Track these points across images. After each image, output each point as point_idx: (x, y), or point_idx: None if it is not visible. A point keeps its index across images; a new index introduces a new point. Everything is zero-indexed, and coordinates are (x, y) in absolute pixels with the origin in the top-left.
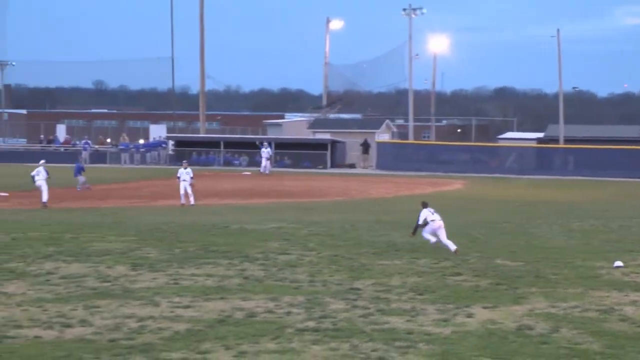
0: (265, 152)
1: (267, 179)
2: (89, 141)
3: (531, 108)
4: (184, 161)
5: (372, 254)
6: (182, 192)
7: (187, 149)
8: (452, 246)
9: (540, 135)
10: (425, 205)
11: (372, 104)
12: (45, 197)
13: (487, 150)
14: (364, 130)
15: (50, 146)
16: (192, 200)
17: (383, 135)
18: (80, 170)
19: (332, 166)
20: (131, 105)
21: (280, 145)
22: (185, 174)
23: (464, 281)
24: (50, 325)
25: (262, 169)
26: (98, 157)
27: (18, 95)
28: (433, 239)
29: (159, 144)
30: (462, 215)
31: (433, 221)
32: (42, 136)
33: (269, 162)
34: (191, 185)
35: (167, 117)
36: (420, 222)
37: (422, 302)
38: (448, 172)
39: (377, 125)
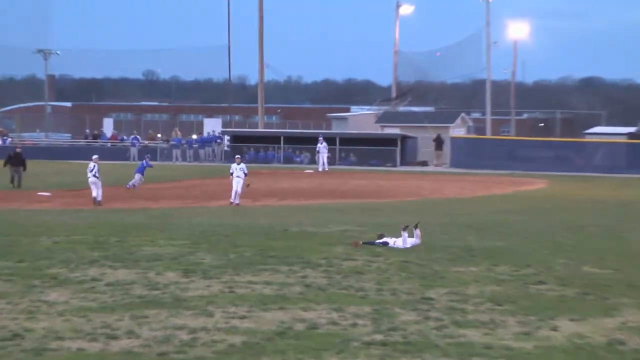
0: (323, 147)
1: (330, 178)
2: (138, 136)
3: (621, 100)
4: (237, 156)
5: (446, 260)
6: (236, 186)
7: (244, 145)
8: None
9: (632, 129)
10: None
11: (446, 96)
12: (97, 194)
13: (572, 146)
14: (437, 125)
15: (97, 142)
16: (237, 200)
17: (458, 130)
18: (143, 169)
19: (402, 164)
20: (184, 97)
21: (346, 141)
22: (238, 169)
23: (548, 290)
24: (95, 336)
25: (320, 167)
26: (147, 153)
27: (62, 87)
28: (414, 240)
29: (213, 139)
30: (545, 218)
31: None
32: (87, 131)
33: (327, 159)
34: (246, 184)
35: (222, 110)
36: (380, 242)
37: (502, 314)
38: (529, 170)
39: (452, 119)
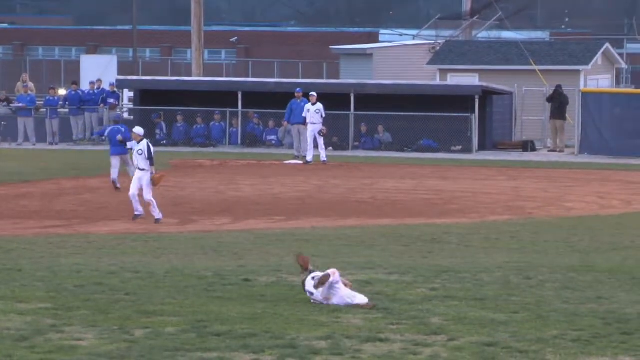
0: (314, 112)
1: (335, 175)
2: None
3: None
4: (137, 129)
5: (572, 341)
6: (133, 189)
7: (162, 109)
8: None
9: None
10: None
11: (572, 9)
12: None
13: None
14: (554, 67)
15: None
16: (155, 211)
17: (597, 79)
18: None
19: (484, 147)
20: (38, 10)
21: (368, 101)
22: (136, 153)
23: None
24: None
25: (306, 153)
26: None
27: None
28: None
29: (100, 98)
30: None
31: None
32: None
33: (322, 138)
34: (153, 179)
35: (119, 37)
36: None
37: None
38: None
39: (585, 56)
